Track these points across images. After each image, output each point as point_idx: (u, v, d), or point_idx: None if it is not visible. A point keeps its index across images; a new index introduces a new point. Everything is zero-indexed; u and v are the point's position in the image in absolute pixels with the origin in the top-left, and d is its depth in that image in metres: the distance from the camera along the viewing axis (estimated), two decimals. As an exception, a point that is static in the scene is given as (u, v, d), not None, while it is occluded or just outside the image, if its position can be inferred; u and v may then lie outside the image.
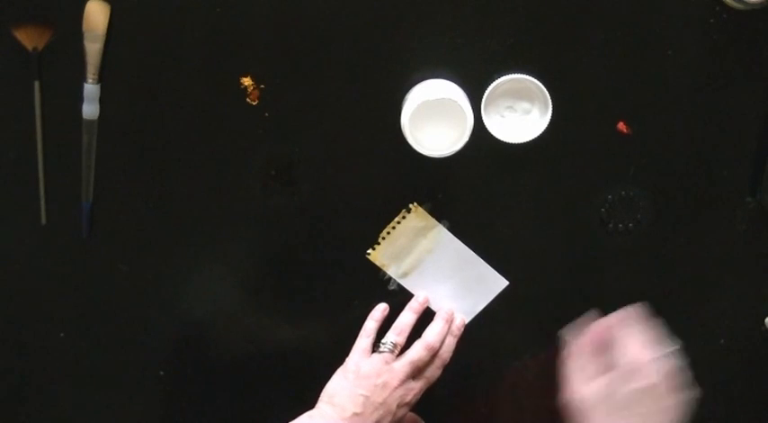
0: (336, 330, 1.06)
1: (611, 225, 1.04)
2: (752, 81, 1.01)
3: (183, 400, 1.08)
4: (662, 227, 1.05)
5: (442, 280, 1.05)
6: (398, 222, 1.03)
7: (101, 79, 1.00)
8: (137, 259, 1.05)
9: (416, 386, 0.99)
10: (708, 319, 1.07)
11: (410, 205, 1.03)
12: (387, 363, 0.99)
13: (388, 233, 1.03)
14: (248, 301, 1.06)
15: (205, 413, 1.09)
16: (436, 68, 1.00)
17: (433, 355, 1.01)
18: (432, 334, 1.01)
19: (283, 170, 1.03)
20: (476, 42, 1.00)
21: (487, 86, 0.98)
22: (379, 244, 1.04)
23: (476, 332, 1.06)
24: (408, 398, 0.98)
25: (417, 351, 1.00)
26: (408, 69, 1.00)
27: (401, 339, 1.01)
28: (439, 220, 1.04)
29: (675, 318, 1.07)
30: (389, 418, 0.97)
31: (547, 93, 0.98)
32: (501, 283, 1.05)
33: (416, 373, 1.00)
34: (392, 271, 1.05)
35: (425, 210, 1.03)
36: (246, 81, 1.01)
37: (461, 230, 1.04)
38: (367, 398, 0.96)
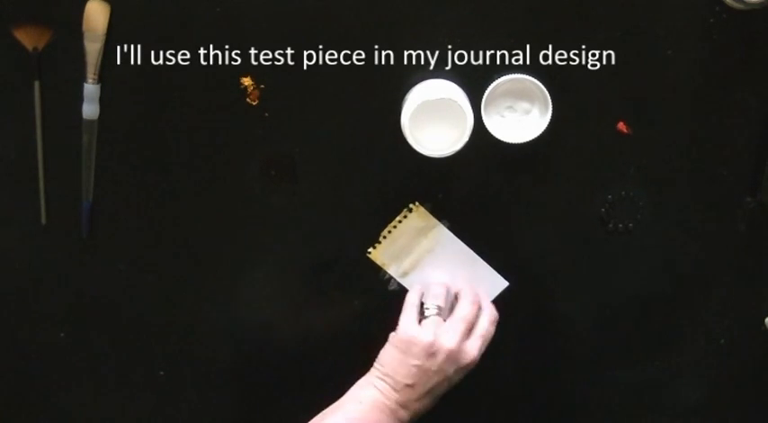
0: (336, 330, 1.06)
1: (611, 225, 1.04)
2: (752, 81, 1.01)
3: (183, 400, 1.08)
4: (662, 227, 1.04)
5: (443, 280, 1.05)
6: (399, 222, 1.03)
7: (101, 79, 1.00)
8: (137, 259, 1.05)
9: (474, 346, 0.97)
10: (708, 319, 1.07)
11: (411, 205, 1.03)
12: (438, 326, 0.97)
13: (389, 232, 1.03)
14: (248, 301, 1.06)
15: (205, 413, 1.09)
16: (436, 68, 1.00)
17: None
18: (468, 292, 1.01)
19: (283, 170, 1.03)
20: (476, 42, 1.00)
21: (487, 86, 0.98)
22: (379, 243, 1.04)
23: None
24: (466, 360, 0.96)
25: (464, 306, 0.99)
26: (408, 69, 1.00)
27: (442, 302, 0.99)
28: (439, 220, 1.04)
29: (675, 318, 1.07)
30: (446, 385, 0.95)
31: (547, 93, 0.97)
32: (501, 283, 1.05)
33: (468, 331, 0.97)
34: (392, 270, 1.05)
35: (426, 210, 1.03)
36: (246, 81, 1.01)
37: (461, 230, 1.04)
38: (419, 367, 0.94)
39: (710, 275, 1.06)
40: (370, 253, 1.04)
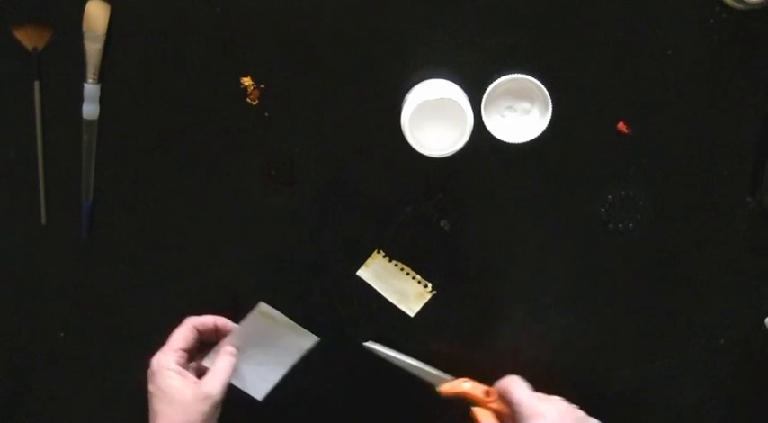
0: (335, 330, 1.06)
1: (611, 225, 1.04)
2: (752, 81, 1.01)
3: (183, 400, 1.08)
4: (662, 227, 1.05)
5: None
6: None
7: (101, 79, 1.00)
8: (137, 259, 1.05)
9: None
10: (708, 319, 1.07)
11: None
12: None
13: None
14: (247, 302, 1.06)
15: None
16: (436, 68, 1.00)
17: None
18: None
19: (283, 170, 1.03)
20: (476, 42, 1.00)
21: (487, 86, 0.98)
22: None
23: (476, 332, 1.06)
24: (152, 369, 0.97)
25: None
26: (408, 69, 1.00)
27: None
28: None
29: (675, 318, 1.07)
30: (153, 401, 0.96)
31: (547, 93, 0.98)
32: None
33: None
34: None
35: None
36: (246, 81, 1.01)
37: (461, 230, 1.04)
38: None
39: (710, 275, 1.06)
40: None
